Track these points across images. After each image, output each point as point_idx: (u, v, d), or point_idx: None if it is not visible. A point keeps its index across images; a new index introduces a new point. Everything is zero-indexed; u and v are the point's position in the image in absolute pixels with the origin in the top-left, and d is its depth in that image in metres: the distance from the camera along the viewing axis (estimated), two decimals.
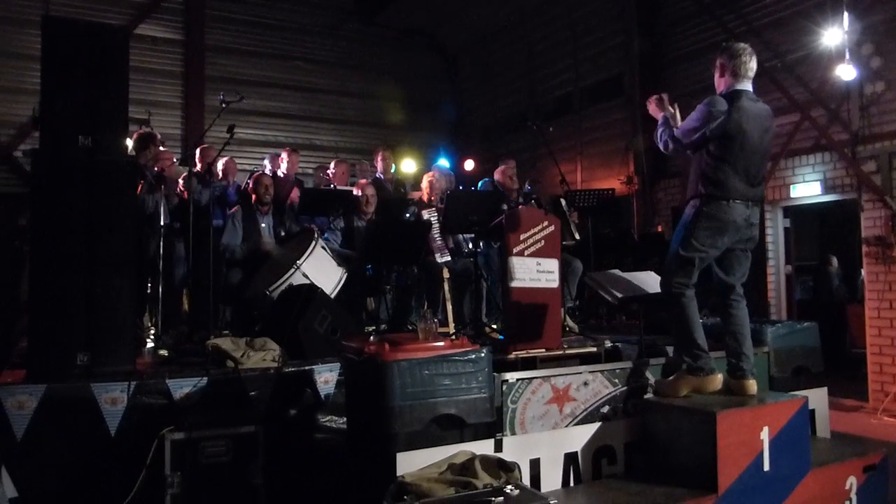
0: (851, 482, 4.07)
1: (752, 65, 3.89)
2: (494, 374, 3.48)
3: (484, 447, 3.34)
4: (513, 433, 3.55)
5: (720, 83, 3.94)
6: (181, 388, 3.82)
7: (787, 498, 3.73)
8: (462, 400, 3.29)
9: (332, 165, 7.41)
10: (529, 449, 3.57)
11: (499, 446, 3.42)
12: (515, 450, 3.48)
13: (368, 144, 11.94)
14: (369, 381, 3.28)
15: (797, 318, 8.85)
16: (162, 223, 5.38)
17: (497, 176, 6.65)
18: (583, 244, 6.18)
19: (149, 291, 5.40)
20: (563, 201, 6.09)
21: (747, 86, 3.88)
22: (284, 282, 5.02)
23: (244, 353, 4.10)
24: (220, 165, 6.84)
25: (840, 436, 5.08)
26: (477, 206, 5.34)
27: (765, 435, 3.67)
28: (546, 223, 4.54)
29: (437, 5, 12.58)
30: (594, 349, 4.59)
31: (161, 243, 5.36)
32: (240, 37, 12.32)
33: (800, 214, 9.07)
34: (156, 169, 5.95)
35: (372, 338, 3.66)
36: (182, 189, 5.99)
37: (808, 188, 8.24)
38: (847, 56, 7.39)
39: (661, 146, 4.05)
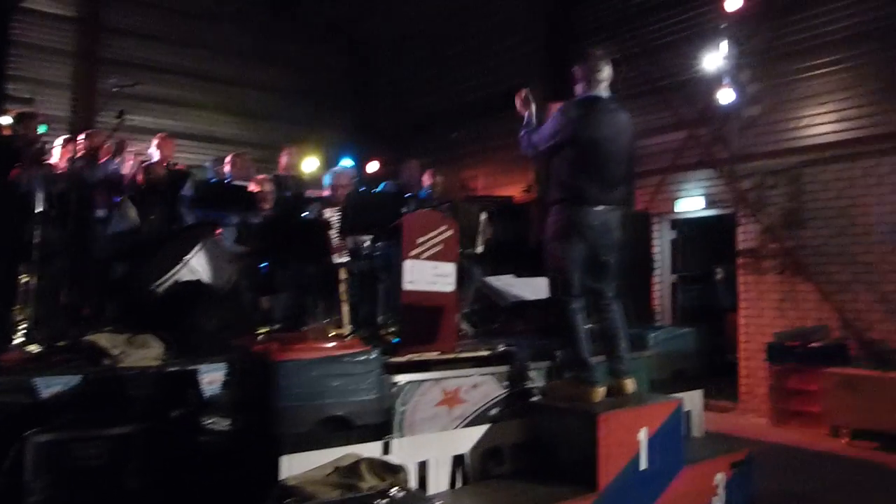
0: (720, 477, 4.34)
1: (606, 73, 3.98)
2: (385, 376, 3.48)
3: (372, 449, 3.34)
4: (402, 435, 3.56)
5: (577, 90, 4.03)
6: (50, 386, 3.58)
7: (662, 494, 3.93)
8: (351, 402, 3.27)
9: (228, 158, 7.14)
10: (418, 451, 3.59)
11: (387, 448, 3.42)
12: (404, 452, 3.49)
13: (271, 139, 11.64)
14: (255, 382, 3.21)
15: (683, 324, 9.38)
16: (41, 208, 5.01)
17: (401, 178, 6.66)
18: (483, 250, 6.28)
19: (23, 281, 5.03)
20: (484, 213, 6.14)
21: (602, 92, 3.98)
22: (171, 277, 4.81)
23: (122, 350, 3.90)
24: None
25: (713, 435, 5.42)
26: (377, 208, 5.34)
27: (643, 435, 3.86)
28: (444, 227, 4.57)
29: (351, 1, 12.46)
30: (488, 352, 4.67)
31: (40, 229, 4.99)
32: (139, 18, 11.72)
33: (688, 226, 9.58)
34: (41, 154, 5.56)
35: (260, 338, 3.58)
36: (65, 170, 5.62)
37: (692, 202, 8.75)
38: (727, 81, 7.89)
39: (522, 148, 4.10)
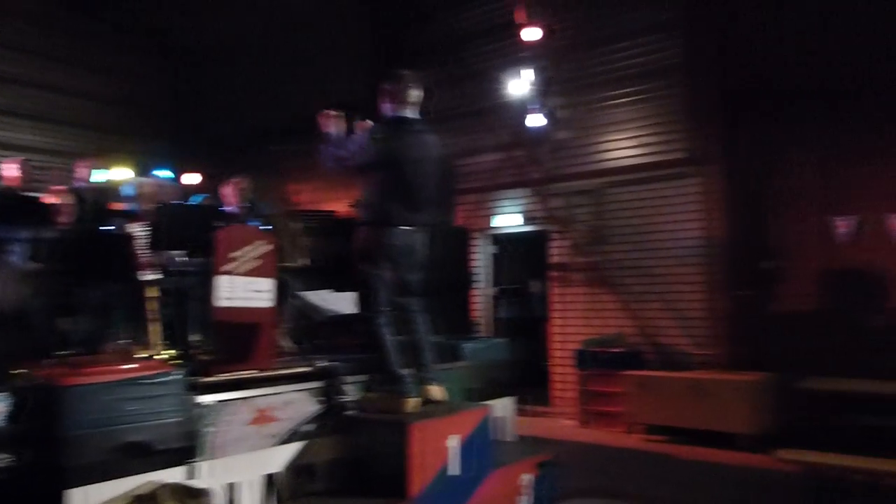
0: (526, 478, 4.61)
1: (416, 94, 4.03)
2: (189, 397, 3.34)
3: (175, 475, 3.19)
4: (209, 458, 3.43)
5: (385, 109, 4.06)
6: None
7: (471, 497, 4.11)
8: (150, 426, 3.11)
9: (15, 166, 6.35)
10: (227, 473, 3.48)
11: (192, 473, 3.29)
12: (211, 475, 3.37)
13: (74, 147, 10.75)
14: (40, 410, 2.95)
15: (503, 334, 9.84)
16: None
17: (219, 191, 6.43)
18: (303, 265, 6.21)
19: None
20: (295, 223, 6.06)
21: (412, 113, 4.04)
22: None
23: None
24: None
25: (524, 438, 5.75)
26: (190, 222, 5.11)
27: (453, 442, 4.02)
28: (262, 242, 4.49)
29: (171, 5, 11.84)
30: (307, 368, 4.63)
31: None
32: None
33: (507, 241, 10.09)
34: None
35: (51, 362, 3.31)
36: None
37: (509, 219, 9.27)
38: (536, 106, 8.47)
39: (324, 165, 4.04)
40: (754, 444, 6.57)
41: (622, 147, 8.58)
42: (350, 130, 4.18)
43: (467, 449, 4.08)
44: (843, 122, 7.10)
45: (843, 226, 7.08)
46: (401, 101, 4.01)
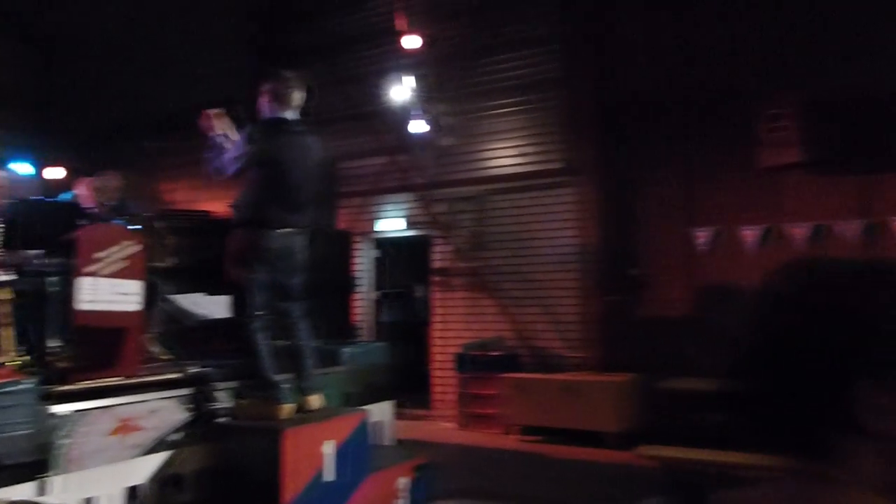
0: (403, 481, 4.65)
1: (298, 95, 3.98)
2: (42, 407, 3.13)
3: (24, 491, 2.97)
4: (64, 472, 3.22)
5: (264, 110, 3.99)
6: None
7: (346, 503, 4.09)
8: None
9: None
10: (84, 487, 3.29)
11: (44, 489, 3.07)
12: (66, 490, 3.17)
13: None
14: None
15: (386, 339, 9.85)
16: None
17: (80, 188, 6.03)
18: (175, 268, 5.95)
19: None
20: (159, 222, 5.80)
21: (292, 115, 3.98)
22: None
23: None
24: None
25: (403, 442, 5.79)
26: (47, 220, 4.79)
27: (329, 448, 3.99)
28: (129, 242, 4.28)
29: None
30: (176, 375, 4.44)
31: None
32: None
33: (391, 246, 10.12)
34: None
35: None
36: None
37: (393, 223, 9.30)
38: (417, 112, 8.56)
39: (209, 171, 3.93)
40: (620, 441, 6.93)
41: (503, 156, 8.83)
42: (240, 125, 4.04)
43: (343, 454, 4.06)
44: (704, 139, 7.66)
45: (701, 237, 7.63)
46: (282, 101, 3.95)
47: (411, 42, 8.44)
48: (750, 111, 7.22)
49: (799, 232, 7.14)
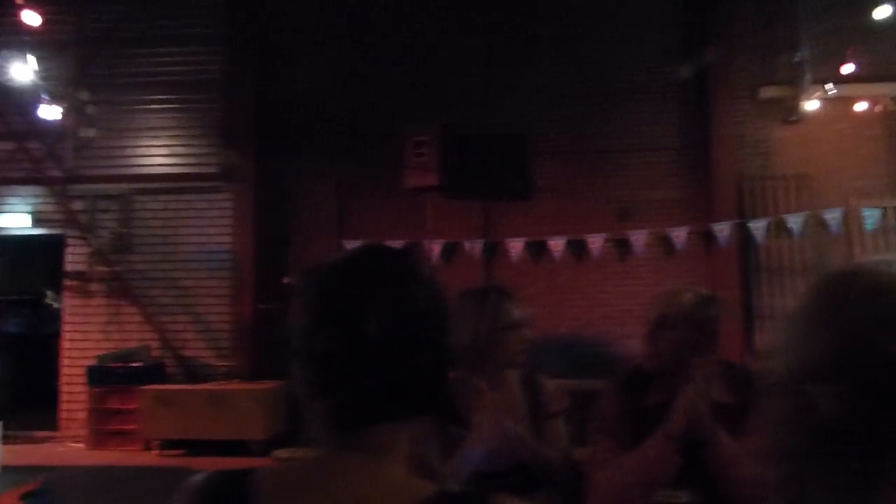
0: None
1: None
2: None
3: None
4: None
5: None
6: None
7: None
8: None
9: None
10: None
11: None
12: None
13: None
14: None
15: (9, 352, 8.55)
16: None
17: None
18: None
19: None
20: None
21: None
22: None
23: None
24: None
25: (11, 469, 5.09)
26: None
27: None
28: None
29: None
30: None
31: None
32: None
33: (16, 245, 8.79)
34: None
35: None
36: None
37: (17, 219, 8.12)
38: (51, 97, 7.58)
39: None
40: (264, 448, 6.98)
41: (155, 154, 8.32)
42: None
43: None
44: (358, 157, 8.16)
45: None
46: None
47: (31, 18, 7.26)
48: (402, 136, 7.91)
49: (436, 248, 8.00)
